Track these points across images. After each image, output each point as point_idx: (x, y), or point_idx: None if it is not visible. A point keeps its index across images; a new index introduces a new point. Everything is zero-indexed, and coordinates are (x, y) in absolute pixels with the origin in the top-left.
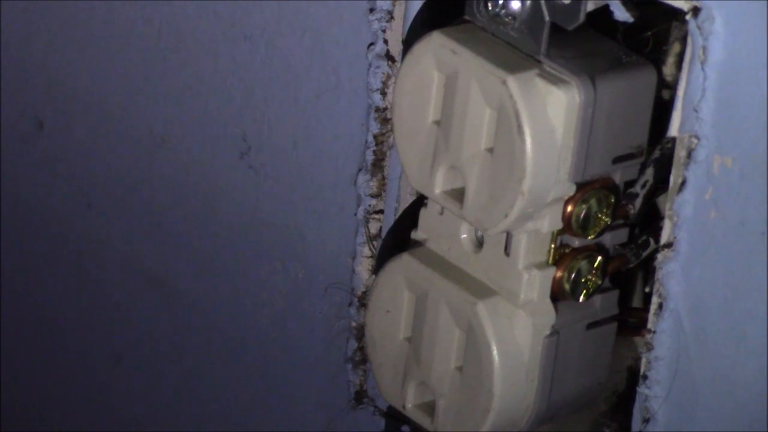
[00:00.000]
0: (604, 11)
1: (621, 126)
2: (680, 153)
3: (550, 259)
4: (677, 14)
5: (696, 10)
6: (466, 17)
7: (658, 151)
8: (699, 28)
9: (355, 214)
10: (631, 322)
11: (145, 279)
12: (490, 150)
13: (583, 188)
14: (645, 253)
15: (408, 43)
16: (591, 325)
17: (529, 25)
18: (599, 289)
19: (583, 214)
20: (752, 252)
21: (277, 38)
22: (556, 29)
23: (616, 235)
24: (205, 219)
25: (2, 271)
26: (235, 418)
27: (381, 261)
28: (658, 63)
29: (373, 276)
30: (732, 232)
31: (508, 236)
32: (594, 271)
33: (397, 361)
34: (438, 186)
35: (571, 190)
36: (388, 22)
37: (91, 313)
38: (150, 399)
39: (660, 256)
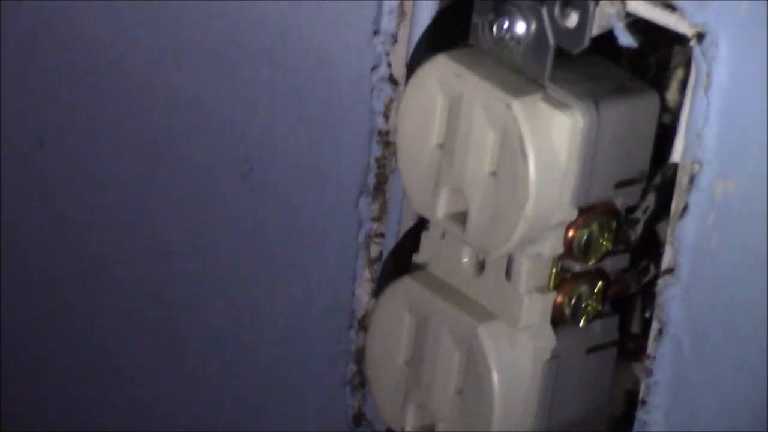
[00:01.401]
0: (609, 36)
1: (623, 151)
2: (682, 179)
3: (552, 283)
4: (680, 39)
5: (700, 36)
6: (471, 41)
7: (659, 177)
8: (703, 53)
9: (356, 237)
10: (630, 347)
11: (145, 296)
12: (494, 173)
13: (585, 213)
14: (646, 279)
15: (412, 66)
16: (591, 350)
17: (533, 49)
18: (599, 314)
19: (584, 239)
20: (754, 278)
21: (280, 59)
22: (560, 53)
23: (617, 261)
24: (205, 239)
25: (2, 287)
26: None
27: (381, 284)
28: (660, 88)
29: (373, 299)
30: (734, 258)
31: (510, 260)
32: (594, 296)
33: (397, 383)
34: (440, 209)
35: (573, 214)
36: (392, 45)
37: (90, 327)
38: (146, 415)
39: (661, 282)
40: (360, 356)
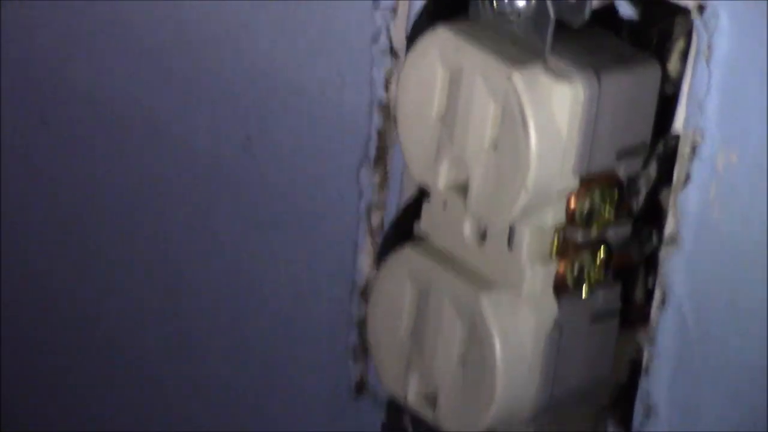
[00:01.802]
0: (609, 8)
1: (625, 121)
2: (684, 149)
3: (554, 253)
4: (681, 10)
5: (701, 8)
6: (471, 14)
7: (661, 147)
8: (704, 25)
9: (358, 208)
10: (633, 315)
11: (145, 269)
12: (495, 144)
13: (587, 183)
14: (648, 249)
15: (412, 38)
16: (593, 319)
17: (534, 22)
18: (602, 284)
19: (586, 209)
20: (756, 249)
21: (280, 32)
22: (561, 26)
23: (620, 230)
24: (205, 210)
25: (2, 267)
26: (234, 409)
27: (382, 254)
28: (662, 59)
29: (375, 269)
30: (736, 228)
31: (512, 230)
32: (597, 266)
33: (399, 353)
34: (441, 180)
35: (575, 184)
36: (392, 17)
37: (91, 308)
38: (146, 390)
39: (663, 252)
40: (362, 326)
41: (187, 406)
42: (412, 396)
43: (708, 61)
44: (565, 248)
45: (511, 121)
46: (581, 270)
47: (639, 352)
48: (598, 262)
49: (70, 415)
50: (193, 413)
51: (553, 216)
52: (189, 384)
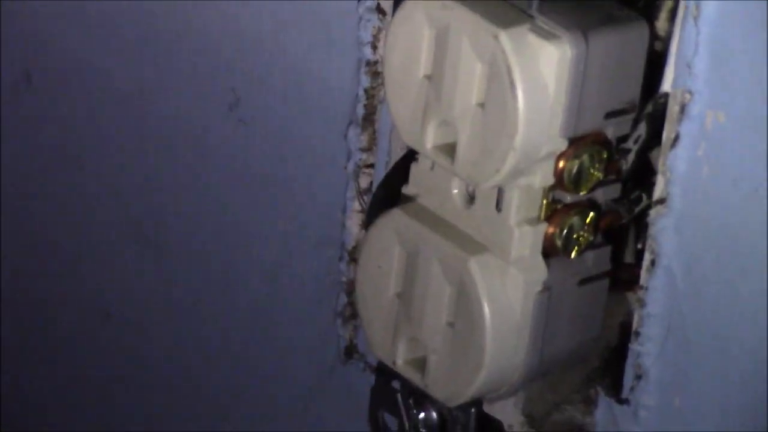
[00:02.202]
0: None
1: (613, 81)
2: (673, 108)
3: (542, 215)
4: None
5: None
6: None
7: (650, 106)
8: None
9: (345, 168)
10: (623, 277)
11: (134, 232)
12: (482, 105)
13: (576, 143)
14: (638, 209)
15: None
16: (583, 282)
17: None
18: (591, 245)
19: (575, 170)
20: (745, 208)
21: None
22: None
23: (609, 191)
24: (193, 172)
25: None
26: (224, 372)
27: (371, 215)
28: (650, 17)
29: (364, 231)
30: (725, 188)
31: (500, 192)
32: (586, 227)
33: (388, 316)
34: (429, 140)
35: (563, 145)
36: None
37: (80, 266)
38: (137, 354)
39: (653, 212)
40: (351, 288)
41: (173, 367)
42: (401, 360)
43: (696, 20)
44: (553, 210)
45: (499, 81)
46: (570, 231)
47: (629, 315)
48: (587, 223)
49: (55, 371)
50: (179, 374)
51: (541, 177)
52: (177, 344)
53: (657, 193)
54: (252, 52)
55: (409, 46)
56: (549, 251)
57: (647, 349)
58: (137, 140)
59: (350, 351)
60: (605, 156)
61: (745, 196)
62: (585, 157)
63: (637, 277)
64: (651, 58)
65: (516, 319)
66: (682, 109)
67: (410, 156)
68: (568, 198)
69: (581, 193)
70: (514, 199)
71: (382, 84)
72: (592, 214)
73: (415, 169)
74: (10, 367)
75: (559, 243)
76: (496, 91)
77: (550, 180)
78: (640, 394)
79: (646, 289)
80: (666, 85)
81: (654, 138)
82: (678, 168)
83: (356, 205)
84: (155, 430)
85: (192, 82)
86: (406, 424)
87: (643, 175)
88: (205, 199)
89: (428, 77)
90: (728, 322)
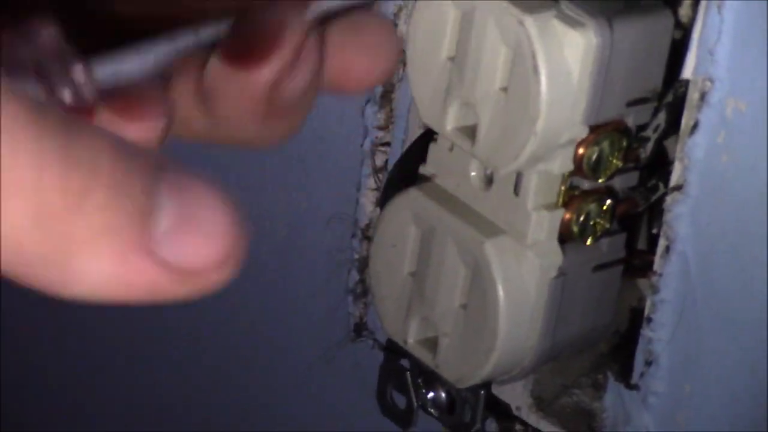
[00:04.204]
0: None
1: (636, 69)
2: (693, 95)
3: (560, 200)
4: None
5: None
6: None
7: (671, 95)
8: None
9: (362, 146)
10: (636, 263)
11: None
12: (505, 89)
13: (596, 131)
14: (654, 197)
15: None
16: (597, 268)
17: None
18: (607, 232)
19: (594, 157)
20: (762, 197)
21: None
22: None
23: (626, 179)
24: (207, 147)
25: None
26: (233, 348)
27: (386, 194)
28: (673, 5)
29: (378, 208)
30: (743, 176)
31: (518, 176)
32: (603, 214)
33: (401, 295)
34: (450, 122)
35: (584, 132)
36: None
37: None
38: (142, 335)
39: (669, 199)
40: (363, 265)
41: (182, 343)
42: (413, 339)
43: (720, 8)
44: (571, 196)
45: (523, 66)
46: (587, 218)
47: (641, 300)
48: (604, 210)
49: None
50: (189, 351)
51: (560, 163)
52: (185, 318)
53: (674, 179)
54: None
55: (434, 27)
56: (565, 237)
57: (659, 335)
58: None
59: (360, 328)
60: (625, 144)
61: (763, 184)
62: (605, 145)
63: (650, 263)
64: (672, 45)
65: (530, 304)
66: (702, 96)
67: (427, 135)
68: (586, 185)
69: (599, 181)
70: (532, 184)
71: (403, 63)
72: (609, 201)
73: (433, 150)
74: (10, 366)
75: (575, 229)
76: (520, 76)
77: (569, 166)
78: (650, 379)
79: (660, 275)
80: (686, 73)
81: (671, 126)
82: (696, 155)
83: (371, 183)
84: (165, 403)
85: None
86: (415, 403)
87: (660, 162)
88: (218, 174)
89: (451, 59)
90: (741, 309)
